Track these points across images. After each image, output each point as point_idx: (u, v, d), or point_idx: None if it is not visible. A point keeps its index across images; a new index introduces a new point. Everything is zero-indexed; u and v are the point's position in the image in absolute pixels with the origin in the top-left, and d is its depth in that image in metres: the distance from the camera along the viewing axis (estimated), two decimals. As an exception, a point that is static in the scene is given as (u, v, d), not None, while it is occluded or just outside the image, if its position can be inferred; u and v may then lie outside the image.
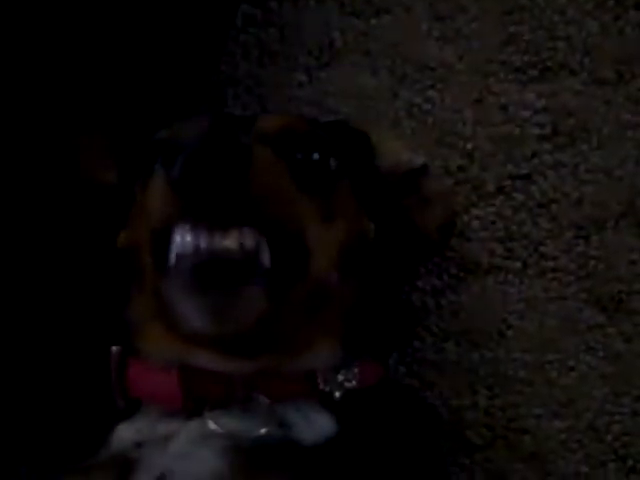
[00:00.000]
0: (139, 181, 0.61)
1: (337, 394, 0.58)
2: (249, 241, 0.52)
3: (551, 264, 0.74)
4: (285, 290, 0.55)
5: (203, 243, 0.51)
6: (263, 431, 0.55)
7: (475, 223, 0.76)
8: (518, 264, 0.74)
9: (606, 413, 0.71)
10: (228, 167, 0.51)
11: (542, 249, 0.74)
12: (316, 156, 0.60)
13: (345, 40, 0.81)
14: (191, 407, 0.56)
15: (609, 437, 0.70)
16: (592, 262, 0.73)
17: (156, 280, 0.57)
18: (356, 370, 0.60)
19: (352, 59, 0.81)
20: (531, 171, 0.76)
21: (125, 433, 0.58)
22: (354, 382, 0.59)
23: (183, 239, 0.52)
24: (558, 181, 0.75)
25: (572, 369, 0.72)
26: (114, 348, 0.61)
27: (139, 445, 0.56)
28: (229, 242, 0.52)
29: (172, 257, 0.53)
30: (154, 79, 0.77)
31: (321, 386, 0.58)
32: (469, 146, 0.77)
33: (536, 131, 0.76)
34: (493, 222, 0.75)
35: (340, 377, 0.59)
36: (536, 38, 0.77)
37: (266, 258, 0.53)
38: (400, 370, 0.74)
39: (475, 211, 0.76)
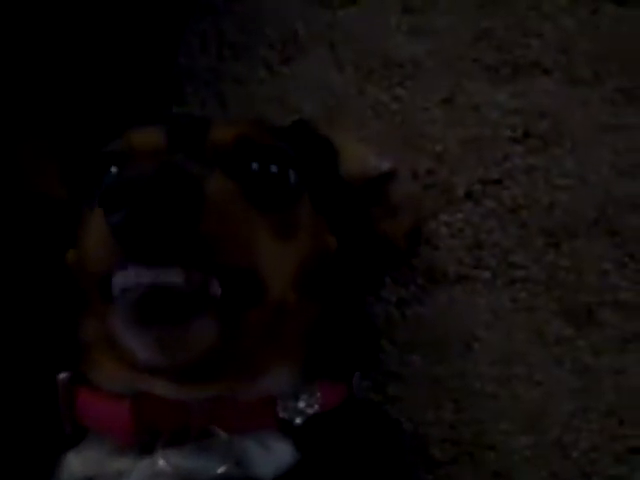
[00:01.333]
0: (87, 199, 0.59)
1: (298, 421, 0.57)
2: (197, 275, 0.50)
3: (521, 273, 0.73)
4: (238, 317, 0.54)
5: (145, 278, 0.49)
6: (220, 470, 0.54)
7: (443, 230, 0.74)
8: (486, 273, 0.73)
9: (573, 429, 0.70)
10: (176, 213, 0.49)
11: (511, 258, 0.73)
12: (274, 169, 0.58)
13: (309, 32, 0.79)
14: (144, 440, 0.55)
15: (575, 453, 0.69)
16: (562, 272, 0.72)
17: (102, 309, 0.55)
18: (318, 394, 0.58)
19: (316, 53, 0.79)
20: (502, 176, 0.74)
21: (75, 464, 0.57)
22: (316, 407, 0.58)
23: (126, 275, 0.50)
24: (530, 186, 0.74)
25: (539, 383, 0.71)
26: (62, 374, 0.59)
27: (90, 480, 0.55)
28: (173, 275, 0.50)
29: (115, 290, 0.51)
30: (107, 74, 0.74)
31: (281, 414, 0.57)
32: (438, 148, 0.75)
33: (508, 133, 0.74)
34: (461, 229, 0.74)
35: (301, 404, 0.58)
36: (509, 35, 0.76)
37: (215, 287, 0.51)
38: (363, 384, 0.72)
39: (443, 217, 0.75)
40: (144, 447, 0.55)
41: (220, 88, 0.80)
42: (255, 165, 0.57)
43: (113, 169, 0.59)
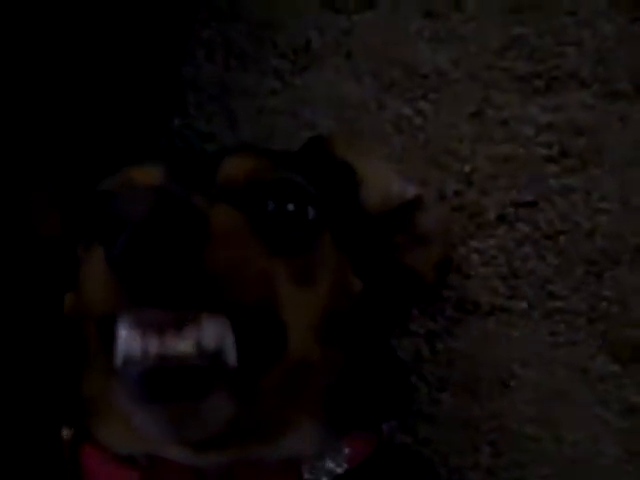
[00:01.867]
0: (84, 238, 0.54)
1: None
2: (209, 341, 0.45)
3: (559, 304, 0.68)
4: (258, 382, 0.49)
5: (152, 347, 0.44)
6: None
7: (474, 257, 0.70)
8: (523, 304, 0.69)
9: (621, 474, 0.66)
10: (179, 244, 0.44)
11: (549, 287, 0.69)
12: (291, 207, 0.53)
13: (324, 41, 0.74)
14: None
15: (623, 500, 0.65)
16: (605, 303, 0.68)
17: (105, 363, 0.49)
18: (346, 450, 0.54)
19: (332, 63, 0.73)
20: (536, 198, 0.69)
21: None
22: (344, 465, 0.54)
23: (129, 338, 0.45)
24: (567, 209, 0.69)
25: (583, 424, 0.67)
26: (66, 432, 0.55)
27: None
28: (184, 345, 0.45)
29: (119, 357, 0.46)
30: (105, 86, 0.68)
31: (306, 476, 0.52)
32: (466, 168, 0.70)
33: (542, 151, 0.69)
34: (494, 256, 0.69)
35: (329, 463, 0.53)
36: (542, 43, 0.70)
37: (231, 356, 0.46)
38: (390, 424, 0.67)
39: (474, 243, 0.70)
40: None
41: (227, 101, 0.75)
42: (270, 204, 0.52)
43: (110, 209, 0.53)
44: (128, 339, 0.45)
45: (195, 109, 0.76)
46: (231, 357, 0.46)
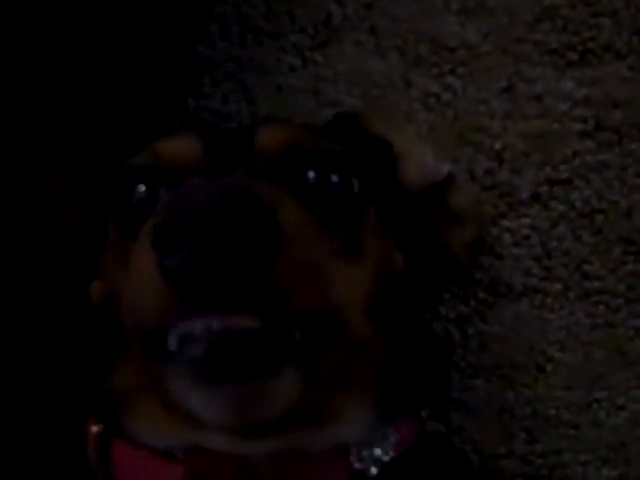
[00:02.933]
0: (112, 219, 0.52)
1: (374, 471, 0.51)
2: (277, 318, 0.43)
3: (596, 285, 0.67)
4: (319, 363, 0.47)
5: (216, 323, 0.42)
6: None
7: (506, 237, 0.68)
8: (558, 286, 0.67)
9: (662, 459, 0.64)
10: (249, 253, 0.41)
11: (585, 268, 0.67)
12: (335, 178, 0.51)
13: (345, 14, 0.71)
14: None
15: (665, 486, 0.64)
16: (644, 283, 0.66)
17: (145, 358, 0.47)
18: (393, 437, 0.53)
19: (354, 38, 0.71)
20: (571, 175, 0.68)
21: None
22: (391, 452, 0.52)
23: (190, 319, 0.42)
24: (603, 187, 0.67)
25: (622, 408, 0.66)
26: (94, 427, 0.52)
27: None
28: (252, 321, 0.42)
29: (174, 339, 0.43)
30: (117, 66, 0.66)
31: (355, 465, 0.51)
32: (497, 145, 0.68)
33: (577, 126, 0.68)
34: (527, 237, 0.68)
35: (377, 451, 0.52)
36: (575, 14, 0.68)
37: (297, 332, 0.44)
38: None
39: (506, 223, 0.68)
40: None
41: (244, 79, 0.72)
42: (312, 175, 0.50)
43: (141, 187, 0.51)
44: (189, 321, 0.43)
45: (210, 88, 0.73)
46: (297, 334, 0.44)
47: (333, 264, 0.48)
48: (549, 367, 0.67)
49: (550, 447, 0.66)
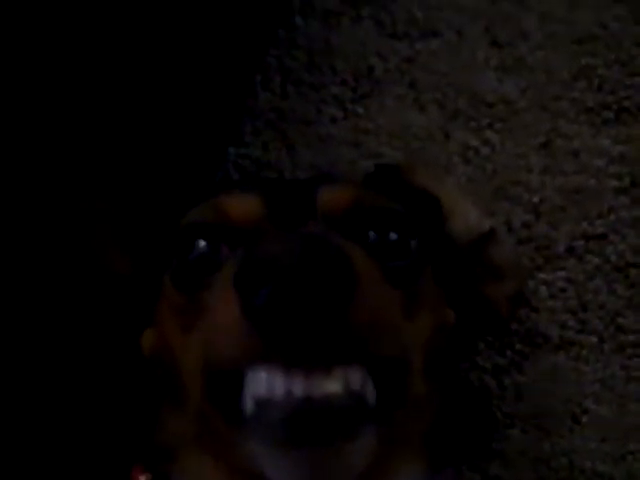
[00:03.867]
0: (170, 273, 0.53)
1: None
2: (355, 380, 0.44)
3: (631, 338, 0.69)
4: (391, 422, 0.48)
5: (298, 388, 0.43)
6: None
7: (543, 290, 0.70)
8: (593, 338, 0.69)
9: (695, 511, 0.65)
10: (331, 297, 0.42)
11: (620, 320, 0.69)
12: (394, 236, 0.52)
13: (386, 67, 0.74)
14: None
15: (700, 539, 0.65)
16: (677, 337, 0.67)
17: (209, 416, 0.48)
18: None
19: (395, 91, 0.74)
20: (607, 230, 0.70)
21: None
22: None
23: (269, 378, 0.43)
24: (638, 241, 0.69)
25: (657, 461, 0.67)
26: (142, 477, 0.54)
27: None
28: (333, 386, 0.43)
29: (249, 402, 0.44)
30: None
31: None
32: (535, 199, 0.71)
33: (612, 183, 0.70)
34: (563, 289, 0.70)
35: None
36: (611, 73, 0.71)
37: (371, 395, 0.45)
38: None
39: (542, 276, 0.70)
40: None
41: (284, 129, 0.74)
42: (372, 234, 0.52)
43: (201, 242, 0.52)
44: (268, 381, 0.43)
45: (251, 137, 0.75)
46: (372, 397, 0.45)
47: (400, 317, 0.49)
48: (584, 419, 0.68)
49: (585, 498, 0.67)
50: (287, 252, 0.42)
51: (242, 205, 0.52)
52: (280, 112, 0.75)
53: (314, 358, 0.43)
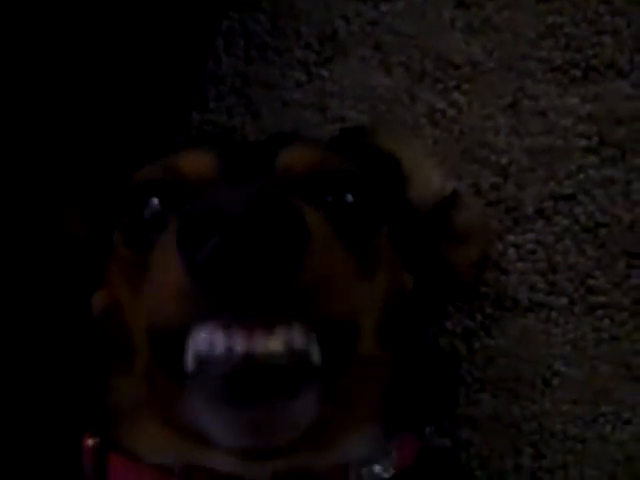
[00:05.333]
0: (118, 230, 0.53)
1: None
2: (298, 340, 0.43)
3: (601, 299, 0.69)
4: (337, 384, 0.48)
5: (239, 345, 0.42)
6: None
7: (512, 252, 0.70)
8: (563, 300, 0.69)
9: (669, 473, 0.65)
10: (281, 251, 0.41)
11: (590, 282, 0.69)
12: (350, 198, 0.52)
13: (351, 30, 0.74)
14: None
15: (673, 500, 0.65)
16: (649, 296, 0.68)
17: (155, 375, 0.48)
18: (394, 454, 0.53)
19: (360, 53, 0.73)
20: (576, 190, 0.70)
21: None
22: (392, 470, 0.53)
23: (209, 336, 0.43)
24: (607, 201, 0.69)
25: (629, 422, 0.67)
26: (90, 440, 0.53)
27: None
28: (274, 344, 0.43)
29: (191, 359, 0.44)
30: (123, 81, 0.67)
31: None
32: (503, 160, 0.70)
33: (581, 142, 0.70)
34: (533, 251, 0.70)
35: (376, 468, 0.52)
36: (578, 31, 0.71)
37: (316, 355, 0.45)
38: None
39: (511, 238, 0.70)
40: None
41: (249, 94, 0.74)
42: (330, 197, 0.51)
43: (154, 200, 0.51)
44: (209, 339, 0.43)
45: (215, 102, 0.75)
46: (316, 357, 0.45)
47: (352, 279, 0.49)
48: (555, 381, 0.68)
49: (557, 462, 0.67)
50: (233, 204, 0.41)
51: (195, 162, 0.52)
52: (244, 77, 0.74)
53: (257, 315, 0.42)
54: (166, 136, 0.73)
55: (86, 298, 0.55)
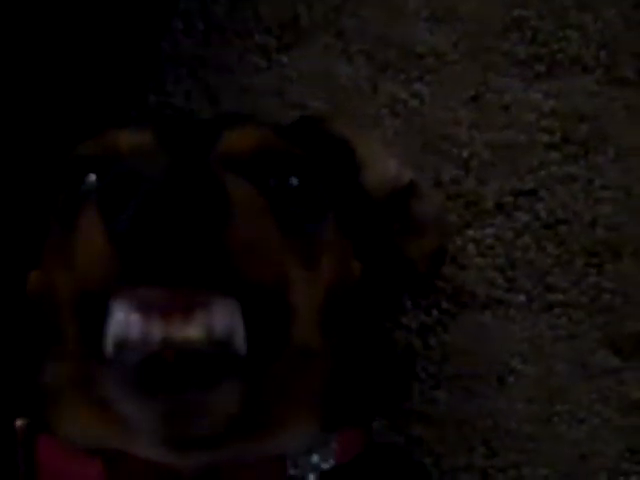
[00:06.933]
0: (55, 210, 0.52)
1: (312, 478, 0.51)
2: (220, 327, 0.42)
3: (559, 297, 0.69)
4: (265, 373, 0.47)
5: (156, 331, 0.41)
6: None
7: (470, 247, 0.70)
8: (521, 297, 0.69)
9: (621, 473, 0.67)
10: (201, 217, 0.41)
11: (549, 279, 0.69)
12: (294, 181, 0.51)
13: (312, 16, 0.73)
14: None
15: (624, 501, 0.66)
16: (606, 295, 0.69)
17: (82, 355, 0.47)
18: (334, 446, 0.52)
19: (321, 40, 0.72)
20: (537, 186, 0.70)
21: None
22: (332, 460, 0.52)
23: (128, 320, 0.42)
24: (568, 198, 0.70)
25: (583, 421, 0.68)
26: (20, 421, 0.52)
27: None
28: (193, 330, 0.41)
29: (110, 342, 0.42)
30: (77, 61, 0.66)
31: (291, 472, 0.50)
32: (464, 154, 0.70)
33: (543, 138, 0.70)
34: (491, 246, 0.70)
35: (314, 458, 0.51)
36: (544, 25, 0.71)
37: (241, 344, 0.43)
38: (381, 423, 0.67)
39: (470, 233, 0.70)
40: None
41: (207, 78, 0.73)
42: (273, 180, 0.51)
43: (91, 176, 0.50)
44: (126, 321, 0.42)
45: (173, 85, 0.74)
46: (241, 345, 0.44)
47: (288, 261, 0.48)
48: (511, 379, 0.68)
49: (509, 461, 0.67)
50: (153, 169, 0.40)
51: (131, 138, 0.51)
52: (202, 60, 0.73)
53: (177, 295, 0.41)
54: (122, 117, 0.72)
55: (23, 279, 0.54)
